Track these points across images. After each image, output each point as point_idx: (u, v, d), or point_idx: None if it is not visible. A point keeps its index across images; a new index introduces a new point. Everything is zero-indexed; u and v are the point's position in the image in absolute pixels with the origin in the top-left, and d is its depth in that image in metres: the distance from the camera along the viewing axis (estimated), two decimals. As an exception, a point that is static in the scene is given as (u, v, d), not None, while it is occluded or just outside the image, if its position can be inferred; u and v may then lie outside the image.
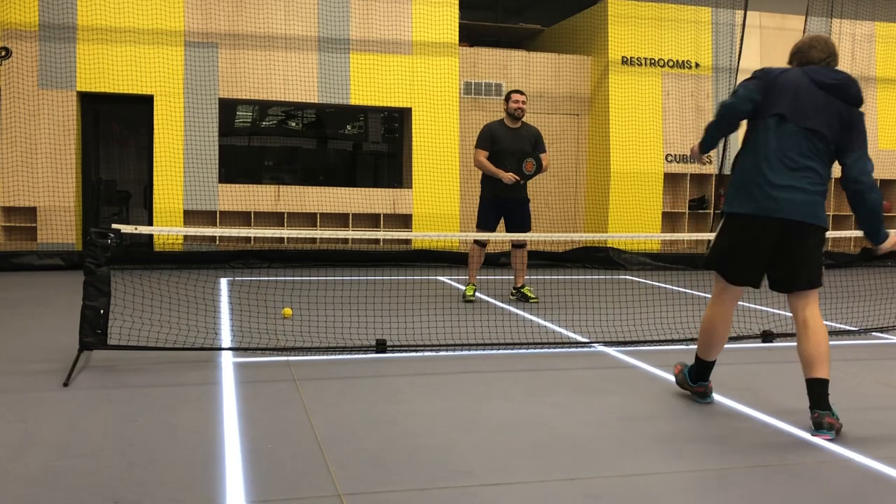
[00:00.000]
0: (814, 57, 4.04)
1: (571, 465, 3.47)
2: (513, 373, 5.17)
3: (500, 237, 8.22)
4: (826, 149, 3.91)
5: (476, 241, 8.16)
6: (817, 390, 3.85)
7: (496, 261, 11.34)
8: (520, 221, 8.13)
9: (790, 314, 4.00)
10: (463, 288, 8.70)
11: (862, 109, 3.95)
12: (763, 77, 4.02)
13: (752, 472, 3.43)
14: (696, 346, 4.46)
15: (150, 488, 3.09)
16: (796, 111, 3.88)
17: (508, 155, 7.98)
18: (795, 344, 4.00)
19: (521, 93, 8.14)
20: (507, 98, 8.14)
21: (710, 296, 4.36)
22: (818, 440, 3.77)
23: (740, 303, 8.19)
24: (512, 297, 8.31)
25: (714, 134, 4.20)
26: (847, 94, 3.92)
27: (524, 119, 8.18)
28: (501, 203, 8.06)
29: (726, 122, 4.11)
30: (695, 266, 11.69)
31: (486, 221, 8.11)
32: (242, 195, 11.26)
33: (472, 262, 8.22)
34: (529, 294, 8.14)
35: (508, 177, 7.83)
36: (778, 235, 3.91)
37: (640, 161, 12.40)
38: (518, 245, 8.22)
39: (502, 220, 8.22)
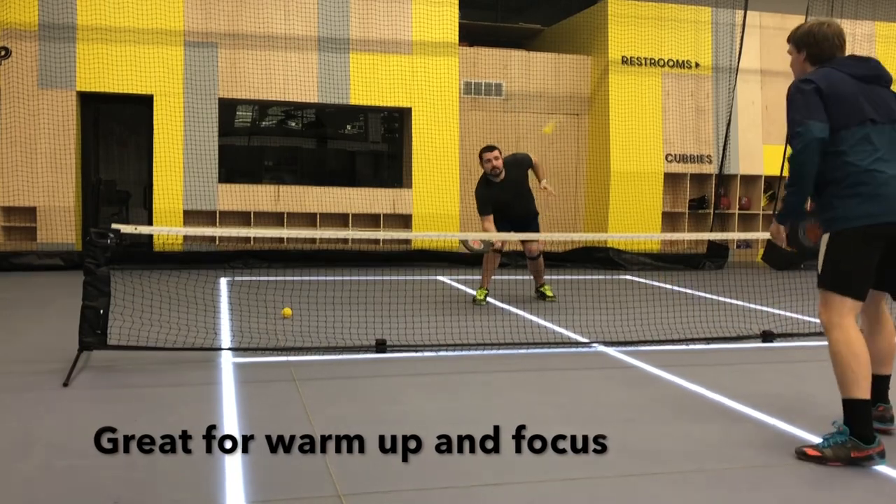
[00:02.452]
0: (835, 53, 3.76)
1: (571, 465, 3.47)
2: (513, 373, 5.17)
3: (512, 237, 8.13)
4: None
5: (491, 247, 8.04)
6: (883, 385, 3.84)
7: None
8: (526, 229, 8.08)
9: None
10: (465, 288, 8.69)
11: None
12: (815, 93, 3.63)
13: (753, 472, 3.43)
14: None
15: (150, 488, 3.09)
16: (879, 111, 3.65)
17: (508, 205, 7.90)
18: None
19: (492, 149, 7.89)
20: (480, 159, 7.91)
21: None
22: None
23: (740, 303, 8.21)
24: (535, 295, 8.28)
25: (802, 193, 3.66)
26: (887, 80, 3.75)
27: (503, 159, 7.92)
28: (511, 221, 7.97)
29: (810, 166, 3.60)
30: (695, 266, 11.69)
31: (501, 230, 8.00)
32: (242, 195, 11.26)
33: (486, 265, 8.08)
34: (548, 293, 8.19)
35: (497, 244, 7.77)
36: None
37: (640, 161, 12.40)
38: (531, 257, 8.18)
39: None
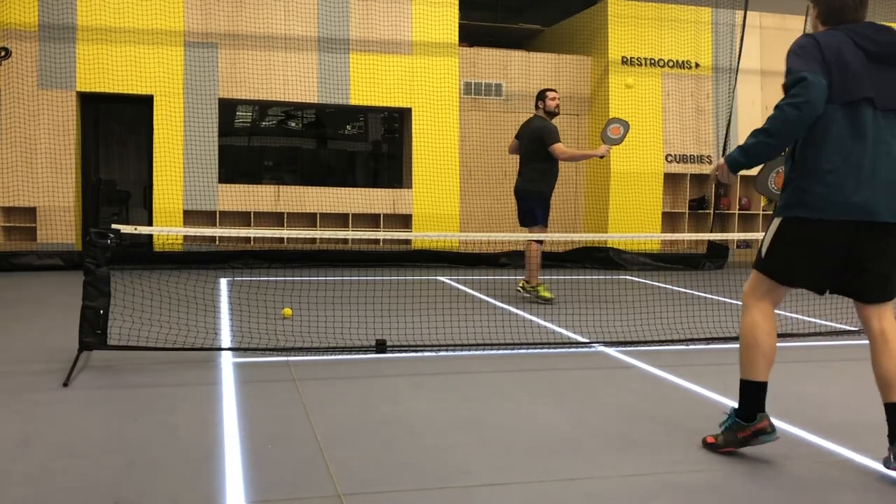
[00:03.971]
0: (847, 14, 3.38)
1: (571, 465, 3.47)
2: (513, 373, 5.17)
3: (505, 237, 8.21)
4: None
5: (538, 242, 8.04)
6: None
7: (495, 261, 11.34)
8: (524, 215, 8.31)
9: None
10: (465, 288, 8.69)
11: None
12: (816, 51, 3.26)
13: (753, 472, 3.43)
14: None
15: (150, 488, 3.09)
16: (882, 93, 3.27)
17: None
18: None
19: (550, 90, 8.41)
20: (544, 97, 8.32)
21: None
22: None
23: (740, 303, 8.20)
24: (527, 294, 8.30)
25: (778, 148, 3.31)
26: None
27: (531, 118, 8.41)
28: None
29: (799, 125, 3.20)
30: (695, 266, 11.69)
31: (548, 216, 8.18)
32: (242, 195, 11.26)
33: (535, 262, 8.07)
34: (547, 293, 8.20)
35: (603, 150, 8.12)
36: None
37: (640, 161, 12.40)
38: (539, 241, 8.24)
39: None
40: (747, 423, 3.48)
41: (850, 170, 3.23)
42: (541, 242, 8.14)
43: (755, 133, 3.31)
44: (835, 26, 3.38)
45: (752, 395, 3.48)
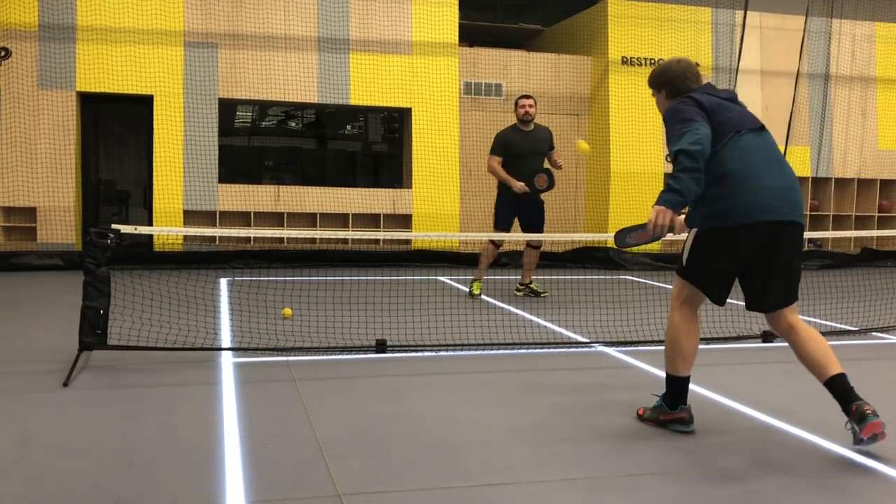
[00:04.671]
0: (692, 86, 3.99)
1: (571, 465, 3.47)
2: (513, 373, 5.17)
3: (515, 237, 8.24)
4: None
5: (492, 241, 8.21)
6: (843, 385, 3.60)
7: (496, 261, 11.32)
8: (536, 221, 8.27)
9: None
10: (465, 288, 8.70)
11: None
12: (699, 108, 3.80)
13: (753, 472, 3.43)
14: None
15: (150, 488, 3.09)
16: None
17: (526, 158, 8.11)
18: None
19: (528, 97, 8.25)
20: (516, 104, 8.25)
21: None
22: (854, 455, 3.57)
23: (740, 302, 8.20)
24: (518, 292, 8.41)
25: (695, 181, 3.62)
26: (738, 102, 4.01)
27: (536, 121, 8.30)
28: (518, 203, 8.17)
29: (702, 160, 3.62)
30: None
31: (503, 221, 8.25)
32: (242, 195, 11.26)
33: (483, 259, 8.30)
34: (541, 291, 8.33)
35: (519, 187, 7.93)
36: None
37: (640, 161, 12.40)
38: (534, 245, 8.32)
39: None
40: (669, 410, 3.93)
41: (746, 180, 3.65)
42: (497, 245, 8.31)
43: (677, 176, 3.65)
44: (686, 94, 3.91)
45: (675, 387, 3.91)
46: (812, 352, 3.69)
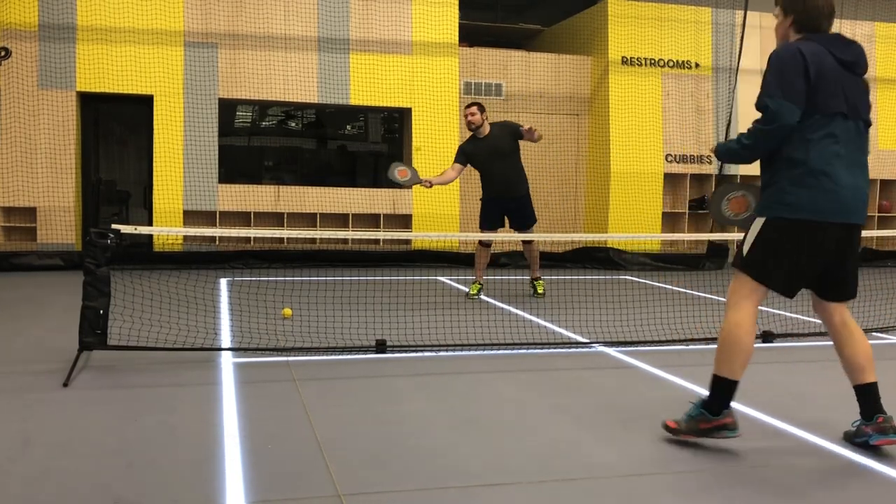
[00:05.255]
0: (823, 28, 3.57)
1: (571, 465, 3.47)
2: (513, 373, 5.17)
3: (502, 237, 8.28)
4: None
5: (480, 242, 8.31)
6: (875, 393, 3.61)
7: (496, 261, 11.33)
8: (520, 219, 8.29)
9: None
10: (465, 288, 8.70)
11: None
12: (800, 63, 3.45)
13: (753, 472, 3.43)
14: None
15: (150, 488, 3.09)
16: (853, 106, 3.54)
17: (487, 163, 8.13)
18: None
19: (471, 104, 8.20)
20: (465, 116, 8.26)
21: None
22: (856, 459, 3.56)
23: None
24: (531, 289, 8.50)
25: (753, 156, 3.61)
26: (864, 68, 3.61)
27: (492, 121, 8.26)
28: (500, 202, 8.20)
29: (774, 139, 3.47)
30: (695, 266, 11.68)
31: (487, 221, 8.31)
32: (242, 195, 11.26)
33: (477, 261, 8.39)
34: (539, 289, 8.38)
35: (425, 183, 8.12)
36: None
37: (640, 161, 12.40)
38: (526, 241, 8.36)
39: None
40: (713, 416, 3.58)
41: (828, 175, 3.44)
42: (486, 245, 8.35)
43: (739, 139, 3.61)
44: (809, 35, 3.56)
45: (724, 391, 3.58)
46: (857, 353, 3.63)
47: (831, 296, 3.69)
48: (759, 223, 3.58)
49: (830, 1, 3.60)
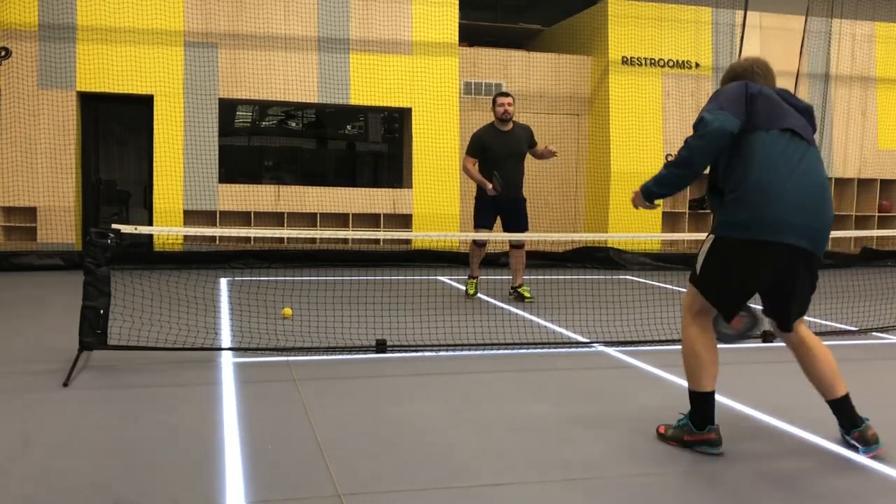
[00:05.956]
0: (760, 82, 3.66)
1: (571, 465, 3.47)
2: (513, 373, 5.17)
3: (499, 237, 8.24)
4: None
5: (475, 242, 8.21)
6: (848, 405, 3.60)
7: (496, 261, 11.33)
8: (515, 221, 8.15)
9: None
10: (464, 288, 8.69)
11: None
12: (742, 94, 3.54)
13: (751, 472, 3.43)
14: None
15: (150, 488, 3.09)
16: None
17: (503, 161, 7.97)
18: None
19: (507, 94, 8.09)
20: (494, 102, 8.11)
21: None
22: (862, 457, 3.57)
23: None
24: (510, 296, 8.35)
25: (687, 177, 3.59)
26: (811, 113, 3.67)
27: (515, 119, 8.22)
28: (497, 203, 8.07)
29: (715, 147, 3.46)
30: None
31: (482, 221, 8.16)
32: (242, 195, 11.26)
33: (472, 260, 8.30)
34: (526, 294, 8.14)
35: (490, 189, 7.78)
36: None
37: (640, 161, 12.40)
38: (516, 245, 8.24)
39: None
40: (697, 431, 3.62)
41: (769, 192, 3.39)
42: (481, 245, 8.25)
43: (666, 165, 3.59)
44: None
45: (701, 404, 3.61)
46: (823, 371, 3.61)
47: (775, 317, 3.70)
48: (708, 241, 3.60)
49: (765, 64, 3.73)
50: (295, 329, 6.03)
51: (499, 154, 7.98)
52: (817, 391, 3.68)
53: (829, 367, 3.60)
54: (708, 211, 12.81)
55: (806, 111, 3.62)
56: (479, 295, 8.37)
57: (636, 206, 3.79)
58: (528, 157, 8.27)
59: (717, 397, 4.48)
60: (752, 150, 3.43)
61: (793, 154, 3.45)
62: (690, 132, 3.54)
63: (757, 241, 3.40)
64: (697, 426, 3.62)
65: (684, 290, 3.83)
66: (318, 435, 3.74)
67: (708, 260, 3.57)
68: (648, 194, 3.67)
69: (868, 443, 3.55)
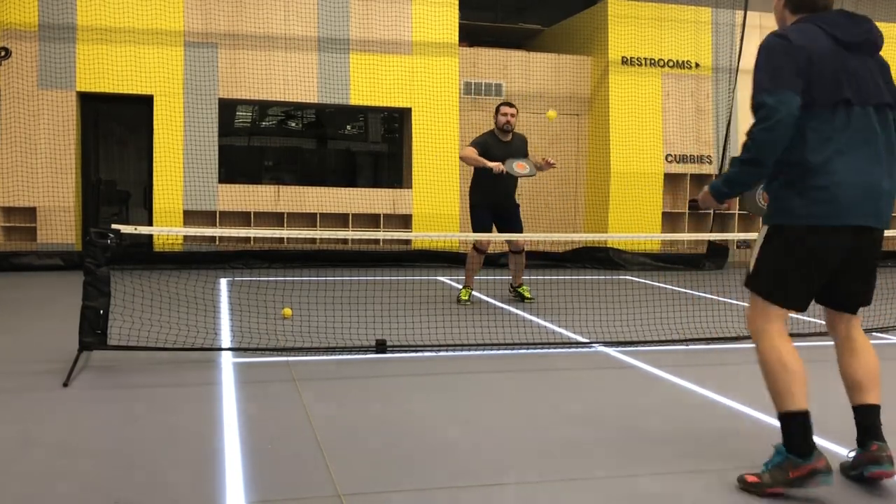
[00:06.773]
0: (819, 3, 3.19)
1: (571, 465, 3.47)
2: (512, 373, 5.17)
3: (498, 237, 8.21)
4: None
5: (475, 248, 8.09)
6: (874, 418, 3.20)
7: (496, 261, 11.33)
8: (511, 226, 8.08)
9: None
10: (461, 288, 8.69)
11: None
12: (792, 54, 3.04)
13: (752, 472, 3.42)
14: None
15: (150, 488, 3.09)
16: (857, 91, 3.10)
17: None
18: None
19: (511, 105, 8.05)
20: (497, 111, 8.06)
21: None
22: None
23: (740, 302, 8.20)
24: (510, 295, 8.35)
25: (760, 172, 3.14)
26: (878, 46, 3.22)
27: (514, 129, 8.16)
28: (493, 210, 8.02)
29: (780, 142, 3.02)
30: (695, 266, 11.69)
31: (482, 228, 8.05)
32: (242, 195, 11.26)
33: (470, 266, 8.13)
34: (526, 294, 8.14)
35: (497, 166, 7.62)
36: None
37: (640, 161, 12.40)
38: (516, 251, 8.19)
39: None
40: (802, 461, 3.04)
41: (828, 173, 3.06)
42: (481, 251, 8.14)
43: (734, 162, 3.19)
44: (805, 16, 3.20)
45: (799, 426, 3.08)
46: (857, 369, 3.28)
47: (836, 305, 3.36)
48: (761, 234, 3.27)
49: None
50: (295, 329, 6.03)
51: (497, 160, 7.93)
52: (847, 391, 3.34)
53: (868, 369, 3.27)
54: (708, 211, 12.80)
55: (861, 45, 3.16)
56: (478, 295, 8.37)
57: (705, 208, 3.53)
58: (530, 155, 8.26)
59: (717, 397, 4.46)
60: (806, 130, 3.06)
61: (854, 130, 3.07)
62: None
63: (819, 228, 3.07)
64: (803, 455, 3.04)
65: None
66: (318, 435, 3.74)
67: (764, 252, 3.21)
68: (719, 195, 3.30)
69: (879, 461, 3.14)
